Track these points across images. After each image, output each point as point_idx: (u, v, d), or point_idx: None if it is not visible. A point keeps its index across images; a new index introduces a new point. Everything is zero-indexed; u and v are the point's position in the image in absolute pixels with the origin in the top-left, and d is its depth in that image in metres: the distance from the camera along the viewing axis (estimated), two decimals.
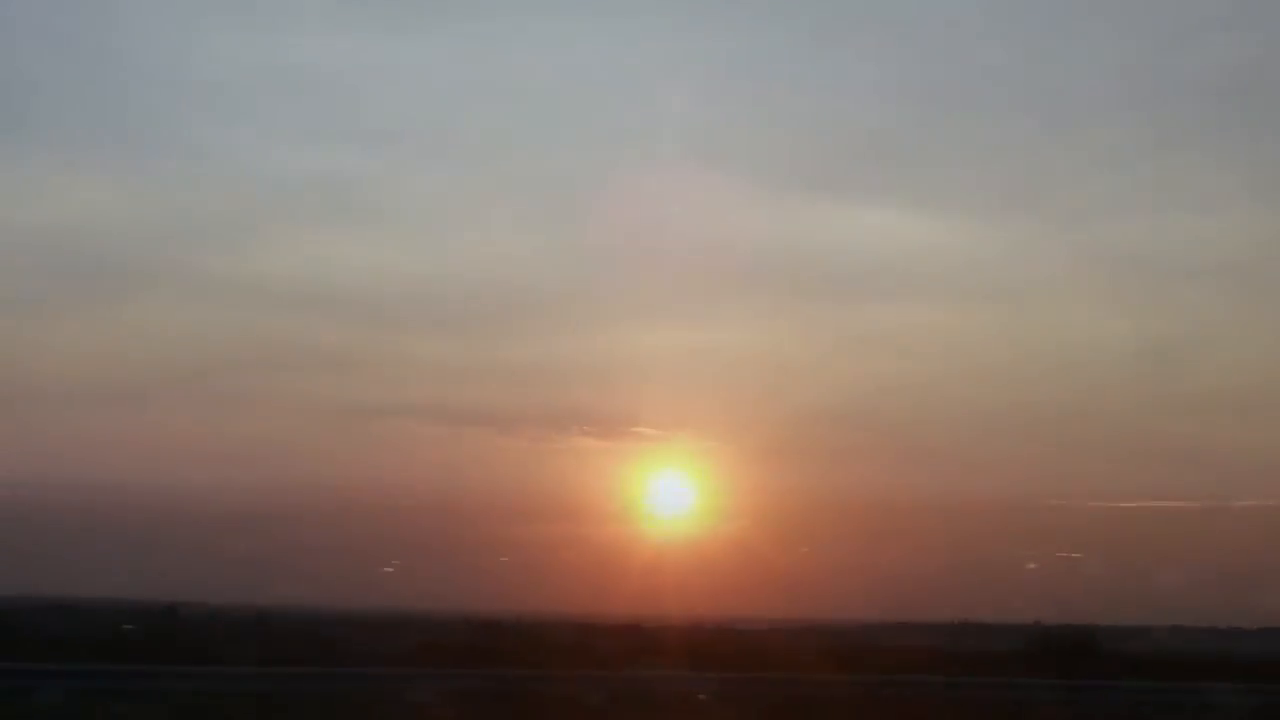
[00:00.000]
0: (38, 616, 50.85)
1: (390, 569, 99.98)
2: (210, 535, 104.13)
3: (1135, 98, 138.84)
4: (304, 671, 26.92)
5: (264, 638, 40.07)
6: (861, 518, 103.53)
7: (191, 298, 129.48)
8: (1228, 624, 67.35)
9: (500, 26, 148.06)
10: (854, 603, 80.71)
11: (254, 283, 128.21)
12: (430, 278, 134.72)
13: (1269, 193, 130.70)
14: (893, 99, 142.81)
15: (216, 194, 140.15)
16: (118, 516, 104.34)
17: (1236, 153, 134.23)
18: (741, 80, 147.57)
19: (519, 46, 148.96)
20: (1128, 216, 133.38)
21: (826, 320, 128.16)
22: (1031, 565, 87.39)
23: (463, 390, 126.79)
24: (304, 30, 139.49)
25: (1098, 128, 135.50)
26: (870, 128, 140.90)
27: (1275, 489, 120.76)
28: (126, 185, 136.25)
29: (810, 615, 78.80)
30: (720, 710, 25.29)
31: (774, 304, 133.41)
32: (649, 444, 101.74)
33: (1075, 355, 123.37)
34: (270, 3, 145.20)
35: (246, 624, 50.03)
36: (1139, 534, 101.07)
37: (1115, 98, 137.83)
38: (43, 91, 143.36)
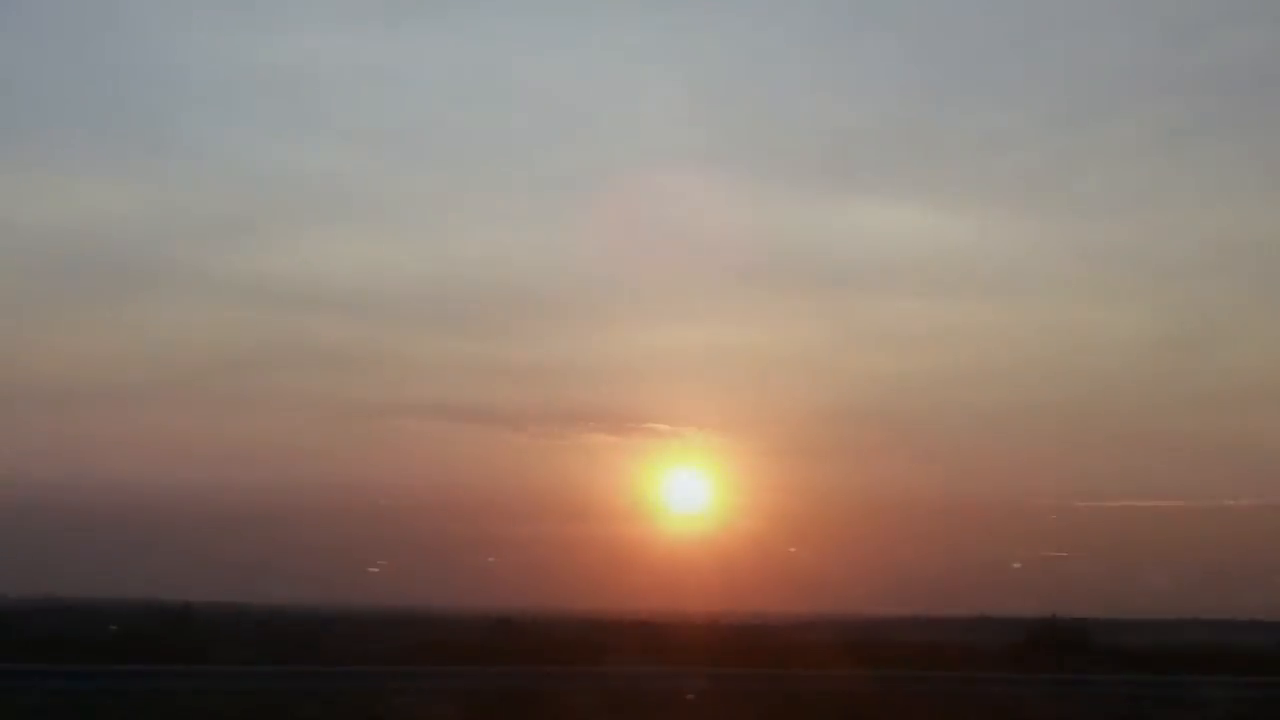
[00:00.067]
0: (37, 617, 50.73)
1: (398, 567, 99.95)
2: (215, 535, 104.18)
3: (1146, 91, 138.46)
4: (301, 670, 26.56)
5: (263, 636, 39.74)
6: (875, 513, 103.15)
7: (194, 297, 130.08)
8: (1248, 617, 66.58)
9: (502, 24, 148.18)
10: (868, 597, 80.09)
11: (257, 282, 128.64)
12: (438, 275, 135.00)
13: None
14: (902, 94, 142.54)
15: (218, 193, 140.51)
16: (121, 516, 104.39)
17: (1249, 146, 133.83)
18: (748, 76, 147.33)
19: (522, 44, 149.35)
20: (1141, 211, 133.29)
21: (839, 316, 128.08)
22: (1044, 560, 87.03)
23: (472, 388, 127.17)
24: (304, 28, 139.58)
25: (1109, 122, 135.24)
26: (881, 123, 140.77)
27: None
28: (127, 185, 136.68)
29: (824, 610, 78.33)
30: (731, 707, 24.84)
31: (786, 300, 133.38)
32: (661, 440, 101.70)
33: (1090, 351, 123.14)
34: (288, 4, 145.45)
35: (249, 623, 49.75)
36: (1152, 532, 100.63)
37: (1126, 92, 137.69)
38: (42, 92, 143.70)
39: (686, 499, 75.07)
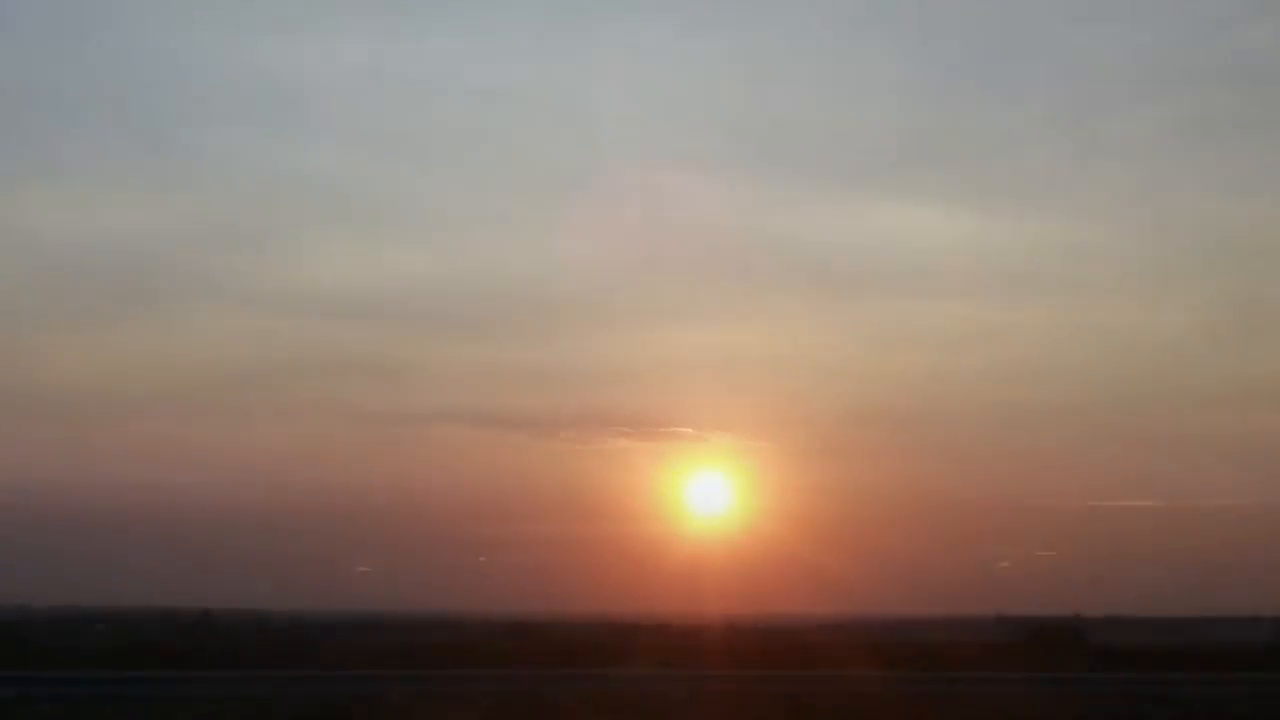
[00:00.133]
0: (65, 625, 50.94)
1: (423, 573, 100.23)
2: (238, 542, 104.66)
3: (1165, 88, 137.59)
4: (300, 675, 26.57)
5: (267, 641, 39.75)
6: (898, 514, 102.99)
7: (214, 307, 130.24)
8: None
9: (529, 39, 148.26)
10: (891, 598, 79.86)
11: (290, 291, 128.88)
12: (461, 282, 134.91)
13: None
14: (923, 95, 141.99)
15: (236, 204, 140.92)
16: (142, 524, 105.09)
17: (1268, 140, 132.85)
18: (764, 79, 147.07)
19: (551, 58, 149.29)
20: (1161, 209, 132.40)
21: (863, 319, 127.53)
22: (1066, 560, 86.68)
23: (497, 394, 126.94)
24: (322, 38, 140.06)
25: (1126, 120, 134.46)
26: (902, 125, 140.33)
27: None
28: (146, 197, 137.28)
29: (849, 611, 78.14)
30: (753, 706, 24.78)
31: (810, 304, 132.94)
32: (687, 444, 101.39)
33: (1113, 349, 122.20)
34: (298, 12, 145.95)
35: (278, 628, 49.83)
36: (1179, 531, 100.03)
37: (1143, 89, 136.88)
38: (71, 108, 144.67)
39: (711, 502, 74.88)
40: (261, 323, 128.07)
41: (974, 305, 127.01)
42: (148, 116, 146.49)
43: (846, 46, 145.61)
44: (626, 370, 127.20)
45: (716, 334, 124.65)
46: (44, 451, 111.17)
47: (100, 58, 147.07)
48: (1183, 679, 28.34)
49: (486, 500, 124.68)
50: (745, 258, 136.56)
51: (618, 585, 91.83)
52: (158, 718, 22.53)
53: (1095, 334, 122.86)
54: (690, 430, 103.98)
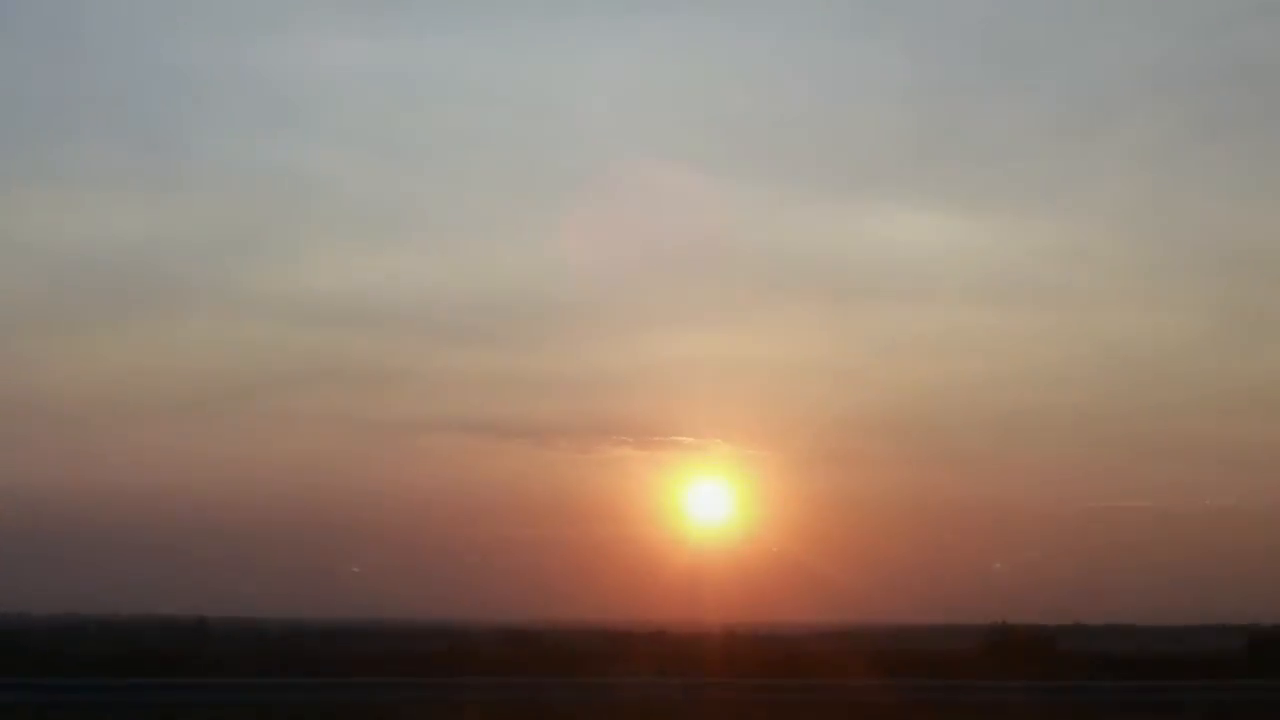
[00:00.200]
0: (64, 632, 50.81)
1: (423, 581, 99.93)
2: (240, 551, 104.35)
3: (1165, 91, 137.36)
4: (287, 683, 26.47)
5: (265, 648, 39.62)
6: (900, 523, 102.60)
7: (228, 314, 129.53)
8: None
9: (528, 43, 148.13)
10: (892, 606, 79.56)
11: (290, 299, 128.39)
12: (461, 290, 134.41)
13: None
14: (924, 98, 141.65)
15: (252, 210, 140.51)
16: (143, 533, 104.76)
17: (1272, 143, 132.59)
18: (772, 83, 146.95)
19: (549, 62, 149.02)
20: (1160, 213, 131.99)
21: (864, 325, 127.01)
22: (1068, 567, 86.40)
23: (497, 403, 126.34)
24: (333, 42, 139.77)
25: (1126, 124, 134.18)
26: (903, 128, 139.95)
27: None
28: (149, 202, 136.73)
29: (852, 620, 78.01)
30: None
31: (810, 310, 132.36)
32: (687, 452, 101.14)
33: (1116, 355, 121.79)
34: (300, 15, 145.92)
35: (273, 637, 49.69)
36: (1178, 535, 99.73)
37: (1143, 92, 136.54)
38: (69, 112, 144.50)
39: (711, 510, 74.63)
40: (258, 329, 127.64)
41: (976, 311, 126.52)
42: (146, 121, 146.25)
43: (848, 48, 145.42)
44: (625, 378, 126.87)
45: (716, 341, 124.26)
46: (42, 458, 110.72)
47: (98, 61, 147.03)
48: (1132, 686, 28.73)
49: (484, 508, 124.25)
50: (745, 263, 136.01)
51: (617, 593, 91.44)
52: None
53: (1099, 339, 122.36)
54: (689, 438, 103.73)
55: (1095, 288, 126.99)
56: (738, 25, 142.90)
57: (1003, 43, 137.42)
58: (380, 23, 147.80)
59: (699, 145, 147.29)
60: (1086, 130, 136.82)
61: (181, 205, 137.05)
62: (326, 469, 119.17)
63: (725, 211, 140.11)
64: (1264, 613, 63.88)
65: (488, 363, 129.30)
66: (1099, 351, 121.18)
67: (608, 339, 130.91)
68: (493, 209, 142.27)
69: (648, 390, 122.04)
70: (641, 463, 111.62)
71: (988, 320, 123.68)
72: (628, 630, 54.89)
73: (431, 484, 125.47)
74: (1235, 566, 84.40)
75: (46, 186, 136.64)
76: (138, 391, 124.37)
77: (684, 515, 74.77)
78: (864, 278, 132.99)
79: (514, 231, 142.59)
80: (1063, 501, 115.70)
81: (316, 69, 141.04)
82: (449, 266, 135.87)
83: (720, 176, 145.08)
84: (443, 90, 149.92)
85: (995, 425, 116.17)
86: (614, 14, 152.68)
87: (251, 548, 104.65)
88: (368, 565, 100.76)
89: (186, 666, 30.49)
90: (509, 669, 30.15)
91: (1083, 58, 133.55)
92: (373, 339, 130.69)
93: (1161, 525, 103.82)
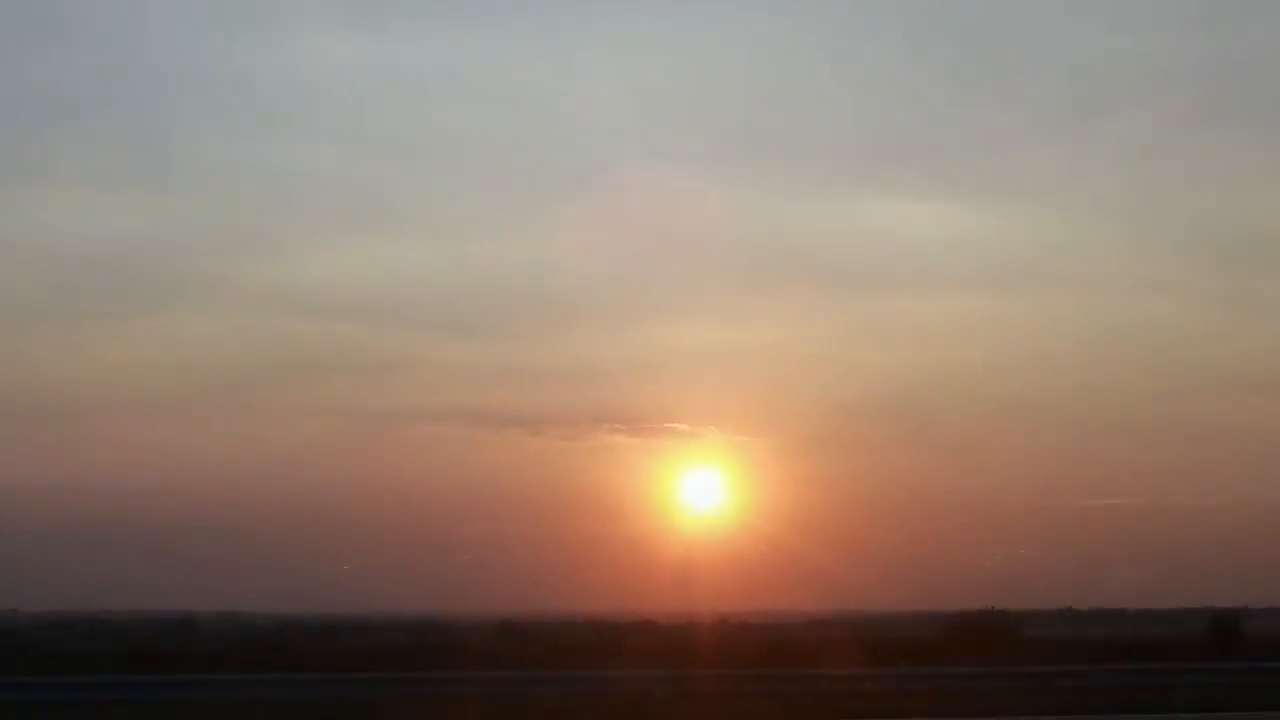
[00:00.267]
0: (55, 630, 50.68)
1: (416, 573, 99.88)
2: (244, 544, 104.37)
3: (1161, 82, 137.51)
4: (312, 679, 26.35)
5: (258, 644, 39.53)
6: (895, 510, 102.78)
7: (222, 309, 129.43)
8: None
9: (520, 27, 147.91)
10: (889, 594, 79.60)
11: (284, 292, 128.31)
12: (452, 280, 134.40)
13: None
14: (918, 91, 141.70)
15: (247, 205, 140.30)
16: (140, 528, 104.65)
17: (1264, 134, 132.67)
18: (767, 73, 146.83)
19: (533, 46, 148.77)
20: (1159, 203, 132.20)
21: (857, 313, 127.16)
22: (1061, 557, 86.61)
23: (490, 392, 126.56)
24: (318, 37, 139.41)
25: (1123, 113, 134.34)
26: (896, 120, 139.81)
27: None
28: (157, 198, 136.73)
29: (848, 608, 78.05)
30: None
31: (804, 297, 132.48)
32: (681, 440, 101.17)
33: (1113, 342, 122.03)
34: (294, 11, 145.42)
35: (265, 632, 49.60)
36: (1168, 528, 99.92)
37: (1140, 82, 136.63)
38: (69, 105, 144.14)
39: (705, 498, 74.63)
40: (254, 323, 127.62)
41: (968, 300, 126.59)
42: (140, 117, 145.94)
43: (842, 43, 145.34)
44: (619, 366, 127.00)
45: (709, 329, 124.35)
46: (36, 455, 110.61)
47: (91, 58, 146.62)
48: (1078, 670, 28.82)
49: (476, 498, 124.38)
50: (738, 253, 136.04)
51: (610, 582, 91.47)
52: None
53: (1095, 327, 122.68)
54: (684, 426, 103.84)
55: (1092, 276, 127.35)
56: (735, 18, 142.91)
57: (999, 33, 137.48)
58: (374, 18, 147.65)
59: (692, 136, 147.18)
60: (1083, 120, 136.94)
61: (176, 201, 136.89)
62: (321, 461, 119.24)
63: (718, 201, 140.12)
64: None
65: (479, 353, 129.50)
66: (1095, 339, 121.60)
67: (600, 327, 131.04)
68: (484, 201, 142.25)
69: (641, 378, 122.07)
70: (635, 450, 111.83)
71: (981, 309, 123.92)
72: (617, 622, 54.98)
73: (423, 474, 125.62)
74: (1233, 555, 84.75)
75: (40, 184, 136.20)
76: (133, 387, 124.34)
77: (678, 503, 74.81)
78: (858, 266, 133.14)
79: (506, 223, 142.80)
80: (1057, 491, 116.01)
81: (310, 65, 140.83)
82: (442, 259, 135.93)
83: (713, 166, 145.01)
84: (437, 85, 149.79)
85: (989, 413, 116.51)
86: (611, 8, 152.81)
87: (245, 542, 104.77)
88: (360, 558, 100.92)
89: (182, 663, 30.35)
90: (502, 663, 30.07)
91: (1079, 48, 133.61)
92: (366, 331, 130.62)
93: (1153, 515, 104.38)
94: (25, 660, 31.24)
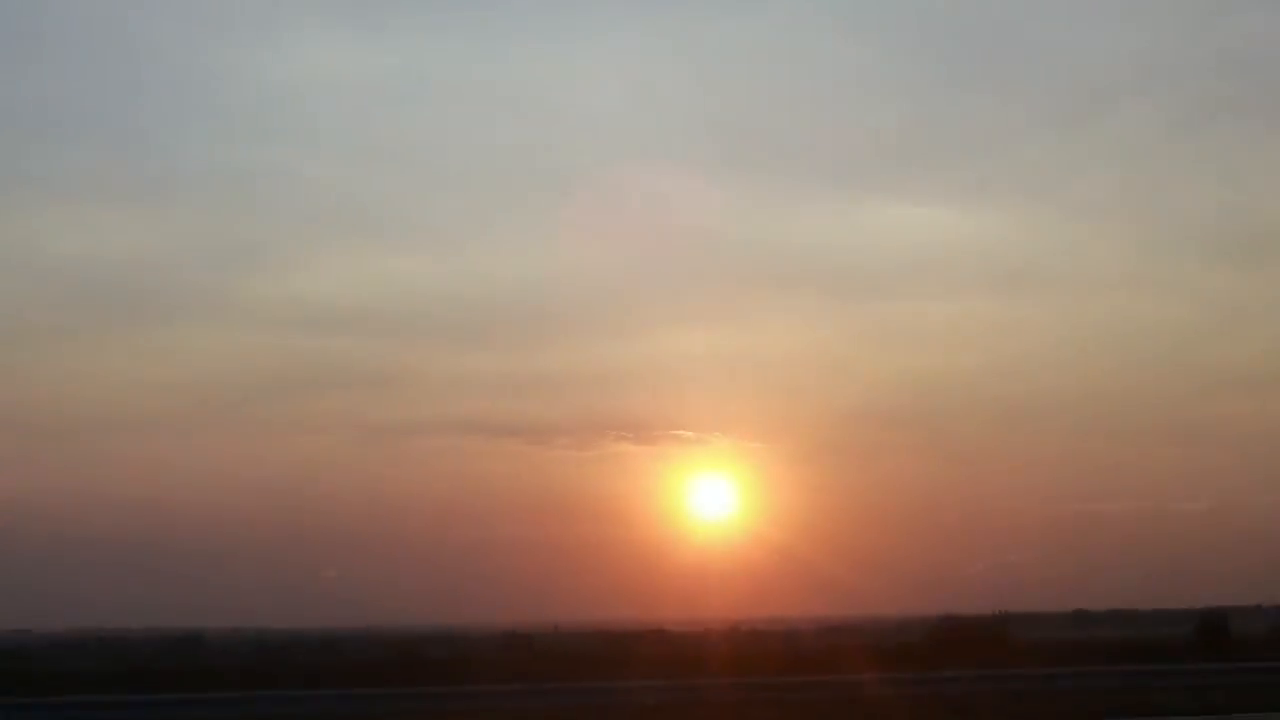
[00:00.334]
0: (67, 650, 50.58)
1: (426, 586, 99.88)
2: (253, 560, 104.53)
3: (1162, 80, 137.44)
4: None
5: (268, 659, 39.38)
6: (901, 514, 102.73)
7: (225, 323, 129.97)
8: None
9: (524, 43, 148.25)
10: (895, 599, 79.56)
11: (289, 305, 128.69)
12: (458, 292, 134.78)
13: None
14: (919, 94, 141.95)
15: (250, 218, 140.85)
16: (156, 542, 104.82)
17: (1264, 130, 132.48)
18: (770, 82, 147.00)
19: (538, 59, 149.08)
20: (1158, 203, 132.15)
21: (862, 318, 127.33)
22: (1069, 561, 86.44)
23: (498, 402, 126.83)
24: (321, 50, 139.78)
25: (1126, 112, 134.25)
26: (898, 124, 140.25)
27: None
28: (160, 213, 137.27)
29: (857, 613, 77.95)
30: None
31: (809, 303, 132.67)
32: (687, 447, 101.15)
33: (1119, 344, 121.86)
34: (297, 24, 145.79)
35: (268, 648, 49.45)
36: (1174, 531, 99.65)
37: (1139, 81, 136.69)
38: (72, 123, 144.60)
39: (713, 505, 74.64)
40: (258, 337, 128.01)
41: (973, 303, 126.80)
42: (144, 132, 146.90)
43: (843, 46, 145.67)
44: (625, 374, 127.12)
45: (715, 336, 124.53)
46: (42, 471, 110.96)
47: (95, 73, 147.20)
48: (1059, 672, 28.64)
49: (485, 509, 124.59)
50: (743, 259, 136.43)
51: (620, 591, 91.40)
52: None
53: (1096, 329, 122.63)
54: (690, 433, 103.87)
55: (1092, 278, 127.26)
56: (735, 24, 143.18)
57: (996, 37, 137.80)
58: (377, 29, 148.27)
59: (694, 144, 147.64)
60: (1080, 121, 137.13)
61: (176, 217, 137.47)
62: (328, 474, 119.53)
63: (722, 208, 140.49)
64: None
65: (486, 363, 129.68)
66: (1098, 341, 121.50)
67: (606, 336, 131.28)
68: (487, 211, 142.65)
69: (647, 386, 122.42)
70: (642, 458, 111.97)
71: (986, 313, 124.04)
72: (627, 631, 54.91)
73: (429, 486, 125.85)
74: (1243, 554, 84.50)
75: (45, 199, 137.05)
76: (136, 404, 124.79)
77: (685, 509, 74.84)
78: (862, 272, 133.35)
79: (511, 232, 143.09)
80: (1065, 495, 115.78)
81: (313, 77, 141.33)
82: (447, 269, 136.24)
83: (716, 174, 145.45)
84: (440, 95, 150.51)
85: (995, 417, 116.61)
86: (612, 17, 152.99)
87: (252, 558, 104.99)
88: (367, 572, 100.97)
89: (190, 681, 30.25)
90: (511, 675, 29.93)
91: (1075, 50, 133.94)
92: (370, 343, 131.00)
93: (1159, 516, 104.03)
94: (32, 681, 31.19)
